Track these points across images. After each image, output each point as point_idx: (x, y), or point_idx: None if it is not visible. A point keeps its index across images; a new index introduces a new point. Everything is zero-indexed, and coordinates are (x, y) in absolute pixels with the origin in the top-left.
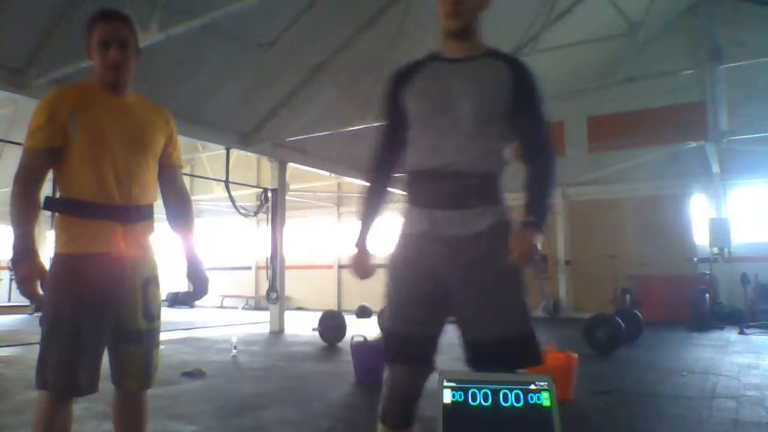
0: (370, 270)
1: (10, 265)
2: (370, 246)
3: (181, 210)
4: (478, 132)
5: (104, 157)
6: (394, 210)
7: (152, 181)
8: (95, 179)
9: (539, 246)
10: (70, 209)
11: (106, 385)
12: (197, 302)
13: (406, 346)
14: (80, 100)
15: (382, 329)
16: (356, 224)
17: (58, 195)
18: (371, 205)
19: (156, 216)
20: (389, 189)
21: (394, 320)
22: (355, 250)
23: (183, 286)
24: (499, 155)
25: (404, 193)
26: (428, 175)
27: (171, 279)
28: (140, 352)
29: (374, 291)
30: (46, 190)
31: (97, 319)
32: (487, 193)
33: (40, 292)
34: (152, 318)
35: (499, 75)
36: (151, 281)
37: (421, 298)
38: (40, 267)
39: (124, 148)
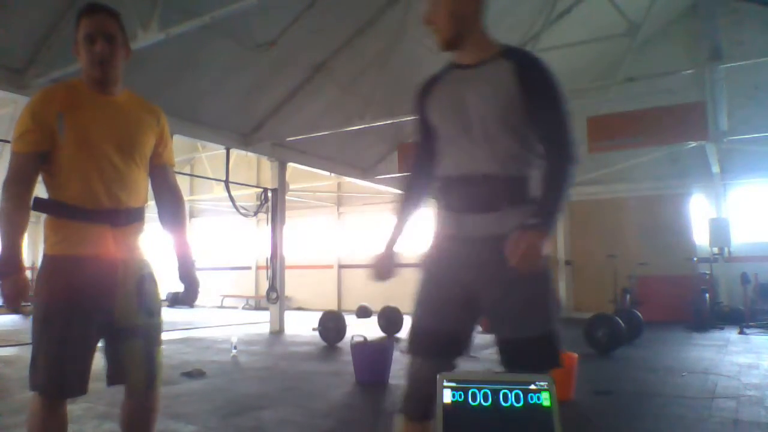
0: (391, 272)
1: None
2: (397, 248)
3: (172, 210)
4: (496, 135)
5: (91, 161)
6: (427, 214)
7: (142, 182)
8: (83, 183)
9: (543, 248)
10: (58, 211)
11: (106, 384)
12: (197, 303)
13: (428, 340)
14: (67, 101)
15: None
16: (390, 226)
17: (47, 196)
18: (405, 210)
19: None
20: (424, 196)
21: (420, 316)
22: (381, 251)
23: (181, 286)
24: (523, 156)
25: (436, 198)
26: (455, 180)
27: (171, 279)
28: (139, 347)
29: (374, 292)
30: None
31: (86, 321)
32: (514, 195)
33: (25, 307)
34: (151, 313)
35: (504, 75)
36: (146, 278)
37: (448, 297)
38: (25, 284)
39: (112, 150)
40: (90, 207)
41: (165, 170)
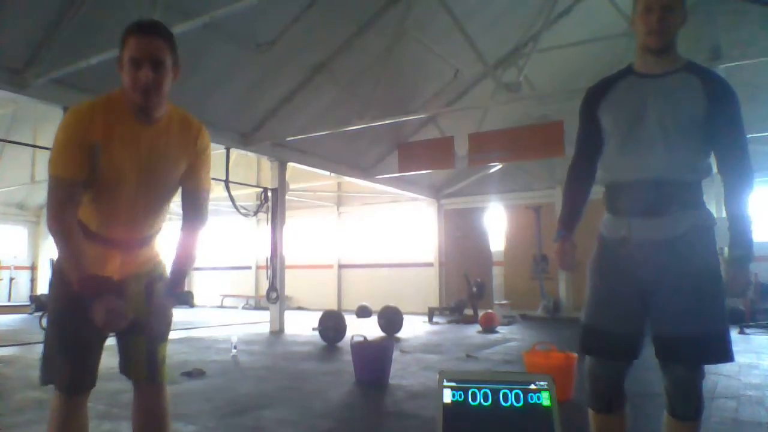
0: (574, 261)
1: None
2: (574, 240)
3: (190, 227)
4: (672, 145)
5: (118, 198)
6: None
7: (164, 212)
8: (104, 217)
9: (750, 273)
10: (81, 230)
11: (107, 385)
12: (197, 302)
13: (604, 342)
14: (105, 129)
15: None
16: (558, 222)
17: None
18: (571, 206)
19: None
20: (587, 193)
21: (591, 317)
22: (561, 243)
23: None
24: (696, 165)
25: (604, 200)
26: (626, 187)
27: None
28: (141, 342)
29: (374, 291)
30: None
31: (91, 322)
32: (684, 199)
33: (126, 317)
34: (159, 312)
35: (692, 90)
36: (155, 280)
37: (623, 301)
38: (114, 305)
39: (140, 191)
40: (105, 235)
41: (195, 194)
